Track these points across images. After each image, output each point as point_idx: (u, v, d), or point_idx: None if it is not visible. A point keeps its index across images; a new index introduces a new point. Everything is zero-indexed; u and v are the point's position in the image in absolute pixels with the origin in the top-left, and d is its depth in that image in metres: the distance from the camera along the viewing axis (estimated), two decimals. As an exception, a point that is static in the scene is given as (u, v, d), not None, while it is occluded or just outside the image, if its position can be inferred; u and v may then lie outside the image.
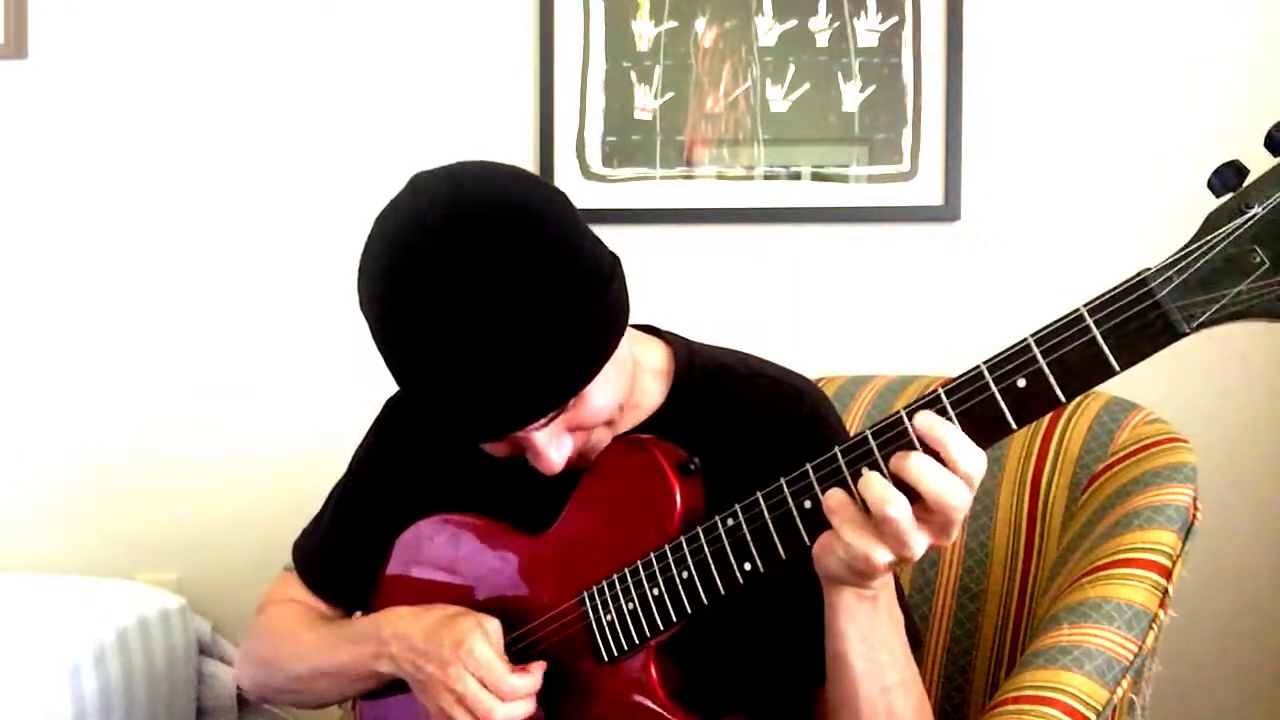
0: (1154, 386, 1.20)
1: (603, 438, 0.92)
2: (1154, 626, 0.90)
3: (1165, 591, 0.92)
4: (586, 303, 0.82)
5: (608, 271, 0.86)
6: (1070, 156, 1.70)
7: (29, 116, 1.85)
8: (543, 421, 0.84)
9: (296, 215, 1.82)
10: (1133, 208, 1.68)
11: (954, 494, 0.70)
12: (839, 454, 0.75)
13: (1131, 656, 0.88)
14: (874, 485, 0.71)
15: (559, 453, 0.87)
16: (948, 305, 1.73)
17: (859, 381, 1.40)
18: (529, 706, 0.88)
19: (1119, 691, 0.86)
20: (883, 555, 0.72)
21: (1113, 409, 1.15)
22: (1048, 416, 1.18)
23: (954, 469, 0.70)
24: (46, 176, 1.86)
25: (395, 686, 0.99)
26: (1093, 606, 0.91)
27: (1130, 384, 1.19)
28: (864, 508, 0.72)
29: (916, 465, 0.70)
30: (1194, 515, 0.99)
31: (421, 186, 0.85)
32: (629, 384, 0.92)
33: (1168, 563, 0.94)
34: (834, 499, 0.74)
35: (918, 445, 0.71)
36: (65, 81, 1.84)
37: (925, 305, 1.74)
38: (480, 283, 0.78)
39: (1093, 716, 0.84)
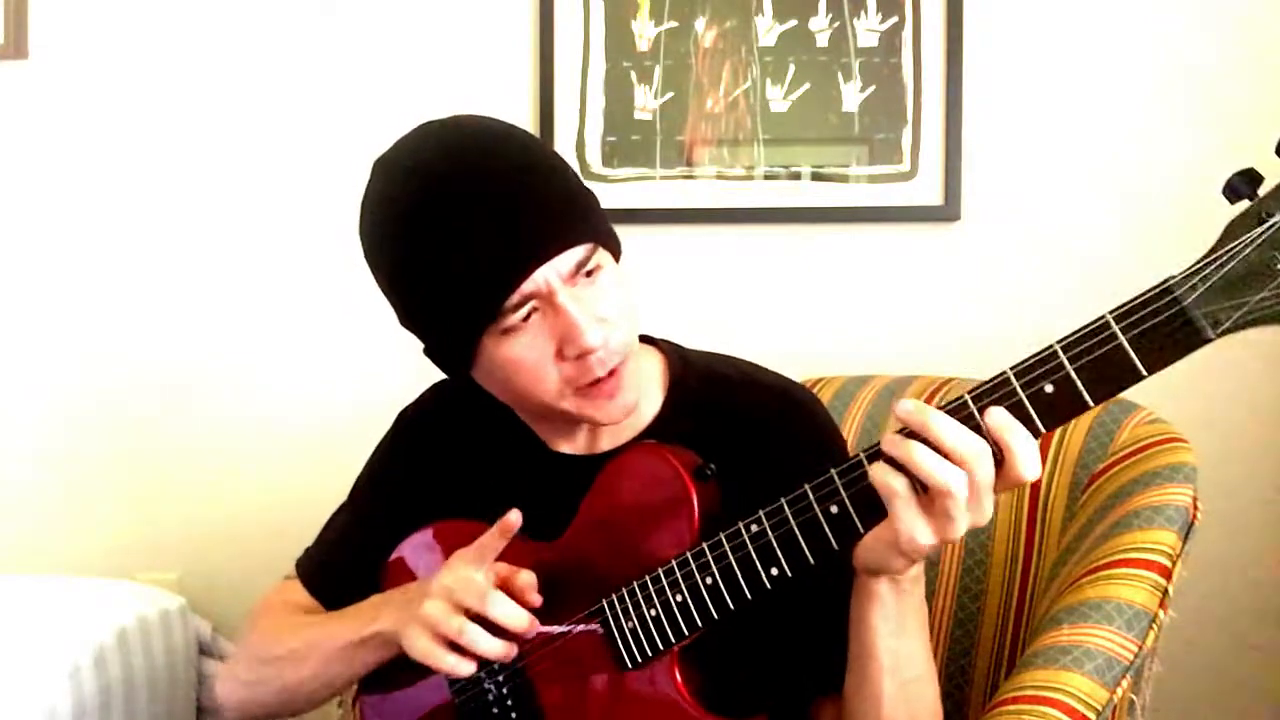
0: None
1: (626, 382, 0.91)
2: (1154, 626, 0.90)
3: (1165, 591, 0.92)
4: (586, 186, 0.94)
5: None
6: (1070, 157, 1.70)
7: (29, 117, 1.85)
8: (569, 269, 0.86)
9: (297, 216, 1.82)
10: (1132, 207, 1.68)
11: (985, 469, 0.70)
12: (864, 459, 0.75)
13: (1131, 656, 0.88)
14: (926, 458, 0.71)
15: (593, 328, 0.86)
16: (948, 305, 1.73)
17: (859, 381, 1.40)
18: (521, 617, 0.86)
19: (1119, 691, 0.86)
20: (925, 535, 0.72)
21: (1113, 409, 1.15)
22: (1048, 417, 1.19)
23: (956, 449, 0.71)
24: (47, 176, 1.86)
25: (394, 681, 0.98)
26: (1093, 606, 0.91)
27: (1130, 384, 1.19)
28: (916, 486, 0.72)
29: (945, 431, 0.70)
30: (1194, 515, 0.99)
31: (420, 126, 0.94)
32: (636, 319, 0.94)
33: (1168, 563, 0.94)
34: (891, 477, 0.72)
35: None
36: (65, 81, 1.84)
37: (925, 305, 1.73)
38: (499, 140, 0.89)
39: (1093, 716, 0.84)
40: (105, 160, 1.85)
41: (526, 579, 0.89)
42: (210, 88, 1.83)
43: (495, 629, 0.86)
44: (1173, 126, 1.68)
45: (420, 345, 0.96)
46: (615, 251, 0.94)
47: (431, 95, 1.79)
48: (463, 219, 0.84)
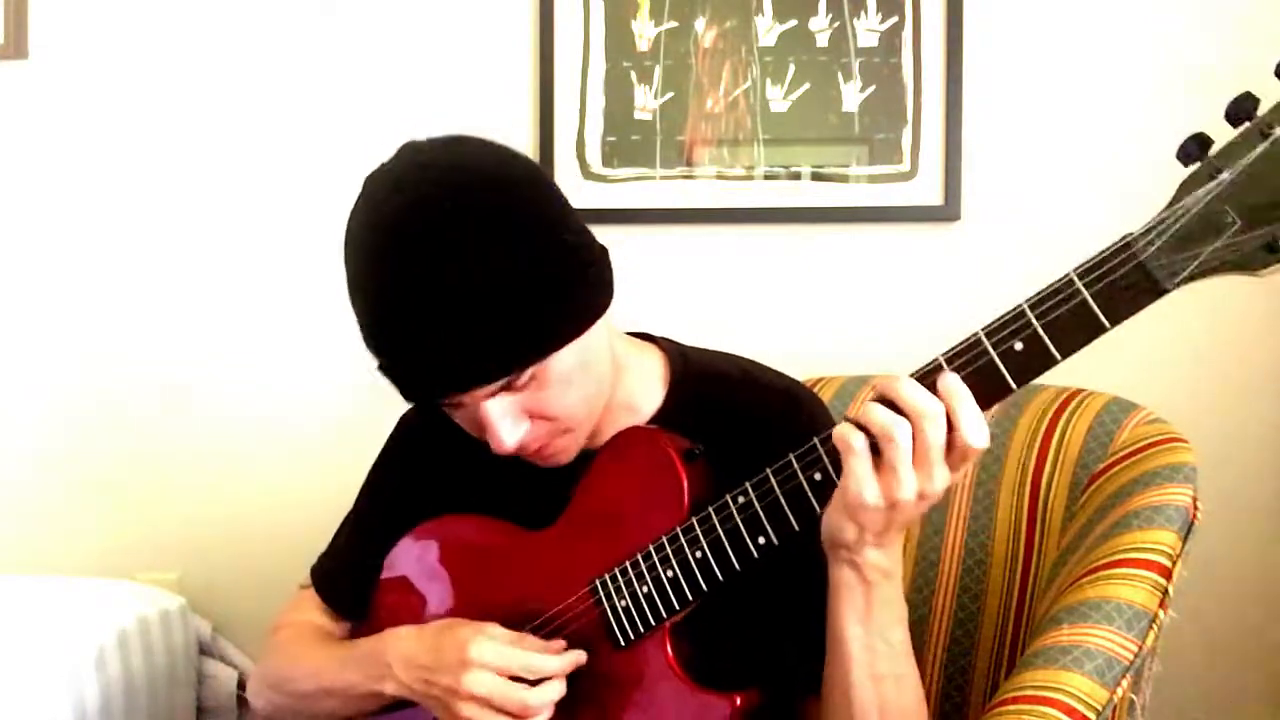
0: (1154, 386, 1.20)
1: (567, 444, 0.92)
2: (1154, 626, 0.90)
3: (1165, 591, 0.92)
4: (550, 278, 0.84)
5: (585, 258, 0.88)
6: (1070, 156, 1.70)
7: (29, 116, 1.85)
8: (491, 389, 0.85)
9: (297, 216, 1.82)
10: (1133, 207, 1.67)
11: (927, 405, 0.73)
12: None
13: (1131, 656, 0.88)
14: (876, 410, 0.74)
15: (509, 433, 0.87)
16: (948, 305, 1.73)
17: (859, 381, 1.40)
18: (561, 686, 0.89)
19: (1119, 691, 0.86)
20: (872, 492, 0.74)
21: (1113, 409, 1.15)
22: (1048, 417, 1.19)
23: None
24: (47, 176, 1.86)
25: (400, 703, 0.99)
26: (1093, 606, 0.91)
27: (1130, 384, 1.19)
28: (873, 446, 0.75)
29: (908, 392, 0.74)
30: (1194, 515, 0.99)
31: (408, 151, 0.89)
32: (601, 393, 0.93)
33: (1168, 563, 0.94)
34: (850, 434, 0.75)
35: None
36: (65, 81, 1.85)
37: (925, 305, 1.74)
38: (444, 242, 0.81)
39: (1093, 716, 0.84)
40: (105, 160, 1.85)
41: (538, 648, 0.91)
42: (210, 88, 1.83)
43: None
44: (1173, 126, 1.67)
45: None
46: (587, 325, 0.88)
47: (431, 95, 1.79)
48: (390, 332, 0.86)
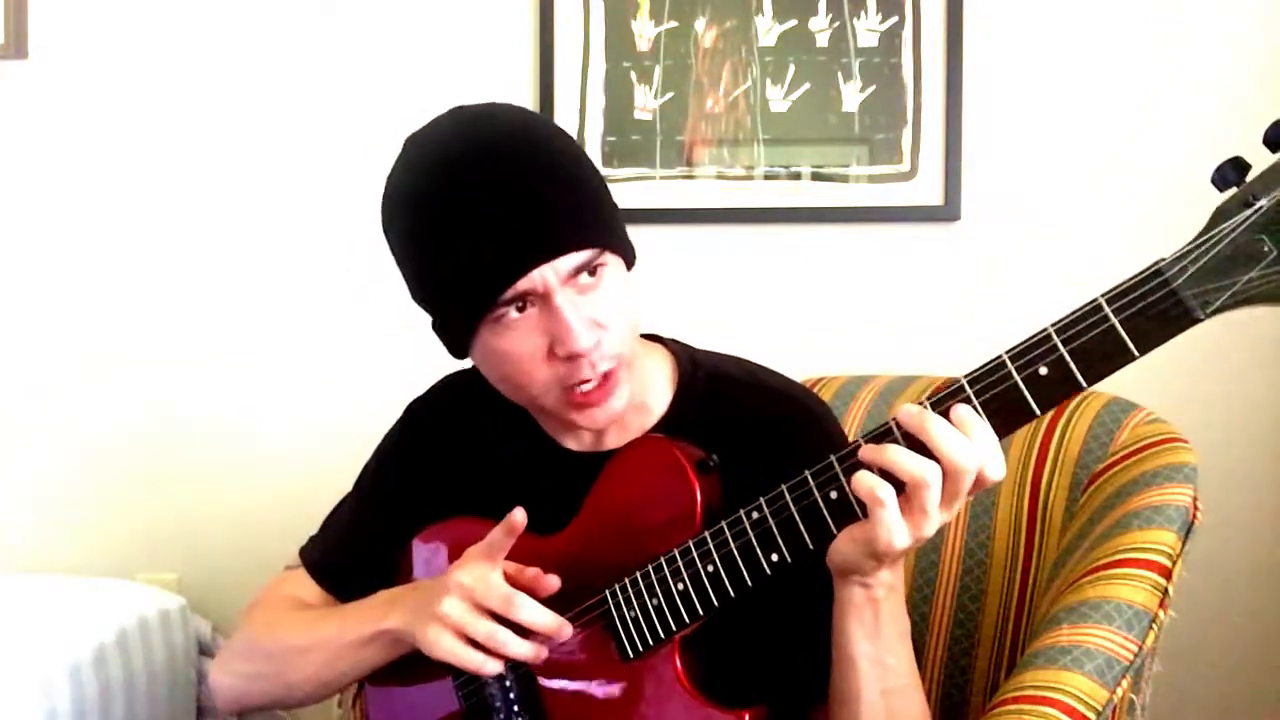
0: (1154, 386, 1.20)
1: (622, 380, 0.91)
2: (1154, 626, 0.90)
3: (1165, 591, 0.92)
4: (606, 190, 0.93)
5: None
6: (1070, 156, 1.70)
7: (29, 116, 1.85)
8: (574, 265, 0.86)
9: (297, 215, 1.82)
10: (1132, 207, 1.68)
11: (965, 457, 0.72)
12: (864, 444, 0.76)
13: (1131, 656, 0.88)
14: (905, 456, 0.73)
15: (584, 331, 0.86)
16: (948, 305, 1.73)
17: (859, 381, 1.40)
18: (537, 649, 0.87)
19: (1119, 691, 0.86)
20: (903, 537, 0.74)
21: (1113, 409, 1.15)
22: (1048, 417, 1.19)
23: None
24: (46, 176, 1.86)
25: (397, 676, 0.98)
26: (1093, 606, 0.90)
27: (1130, 384, 1.19)
28: (899, 486, 0.74)
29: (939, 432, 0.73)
30: (1194, 515, 0.99)
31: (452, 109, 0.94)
32: (636, 326, 0.94)
33: (1168, 563, 0.94)
34: (878, 486, 0.74)
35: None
36: (65, 81, 1.85)
37: (925, 305, 1.74)
38: (525, 138, 0.89)
39: (1093, 716, 0.84)
40: (105, 160, 1.85)
41: (534, 572, 0.89)
42: (210, 88, 1.83)
43: (519, 628, 0.86)
44: (1173, 126, 1.68)
45: (428, 326, 0.96)
46: (627, 258, 0.94)
47: (432, 95, 1.78)
48: (471, 210, 0.85)
